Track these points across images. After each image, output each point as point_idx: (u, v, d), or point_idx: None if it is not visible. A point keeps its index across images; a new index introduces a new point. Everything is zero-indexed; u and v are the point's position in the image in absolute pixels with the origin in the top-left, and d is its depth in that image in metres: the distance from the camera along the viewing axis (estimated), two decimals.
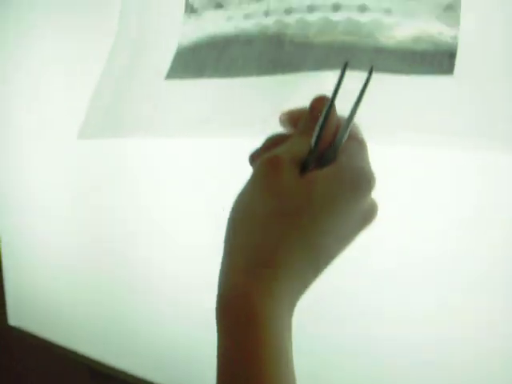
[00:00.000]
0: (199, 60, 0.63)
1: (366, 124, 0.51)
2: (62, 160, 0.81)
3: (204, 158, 0.65)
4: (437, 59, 0.50)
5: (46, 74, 0.83)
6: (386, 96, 0.52)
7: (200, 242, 0.63)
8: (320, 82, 0.55)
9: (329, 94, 0.51)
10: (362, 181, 0.23)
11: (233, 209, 0.23)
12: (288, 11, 0.59)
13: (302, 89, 0.56)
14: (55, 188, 0.84)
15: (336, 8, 0.56)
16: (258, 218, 0.21)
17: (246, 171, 0.29)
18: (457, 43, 0.50)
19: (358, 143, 0.25)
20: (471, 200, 0.48)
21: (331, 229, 0.21)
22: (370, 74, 0.24)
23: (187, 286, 0.66)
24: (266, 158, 0.23)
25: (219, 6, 0.62)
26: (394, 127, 0.51)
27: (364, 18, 0.54)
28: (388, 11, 0.54)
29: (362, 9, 0.55)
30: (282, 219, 0.20)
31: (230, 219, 0.23)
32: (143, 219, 0.71)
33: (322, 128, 0.23)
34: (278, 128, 0.52)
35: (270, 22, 0.60)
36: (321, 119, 0.23)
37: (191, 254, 0.65)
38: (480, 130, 0.46)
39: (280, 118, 0.27)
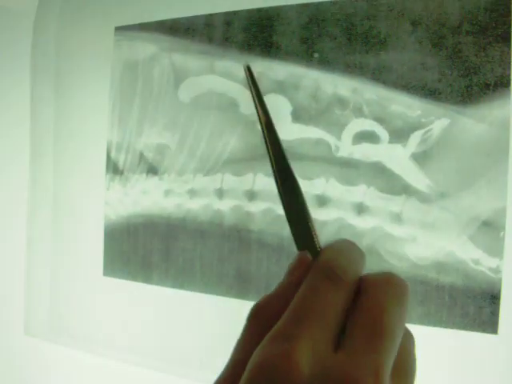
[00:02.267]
0: (140, 256, 0.45)
1: None
2: None
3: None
4: (473, 304, 0.35)
5: None
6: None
7: None
8: None
9: None
10: None
11: None
12: (250, 195, 0.41)
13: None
14: None
15: (323, 202, 0.39)
16: None
17: None
18: (500, 280, 0.35)
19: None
20: None
21: None
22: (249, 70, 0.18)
23: None
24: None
25: (153, 170, 0.44)
26: None
27: (363, 223, 0.38)
28: (397, 218, 0.37)
29: (360, 209, 0.38)
30: None
31: None
32: None
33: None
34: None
35: (225, 207, 0.42)
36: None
37: None
38: None
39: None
